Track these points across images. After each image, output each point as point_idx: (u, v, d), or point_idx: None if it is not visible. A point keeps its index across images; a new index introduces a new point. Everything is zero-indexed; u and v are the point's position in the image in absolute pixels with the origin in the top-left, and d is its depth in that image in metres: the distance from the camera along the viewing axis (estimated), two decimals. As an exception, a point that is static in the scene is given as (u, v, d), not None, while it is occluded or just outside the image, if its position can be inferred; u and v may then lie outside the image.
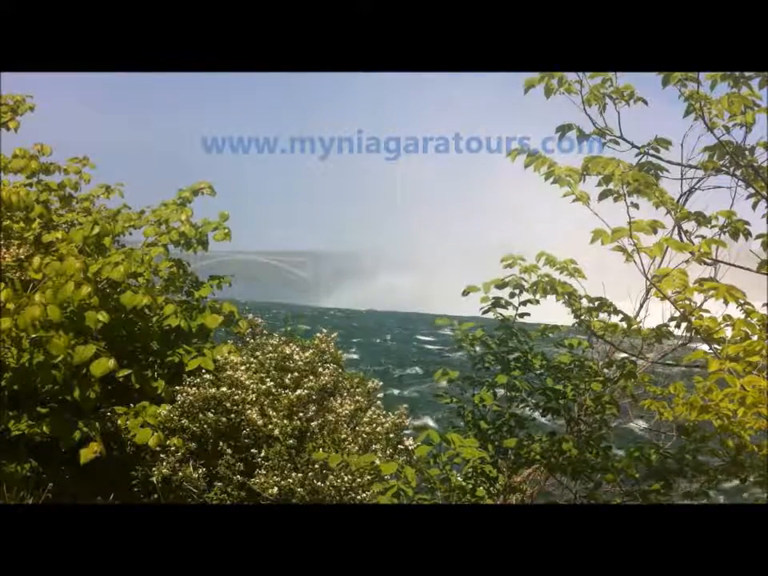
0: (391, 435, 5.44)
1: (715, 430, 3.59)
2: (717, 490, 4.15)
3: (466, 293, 4.42)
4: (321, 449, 5.18)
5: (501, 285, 4.37)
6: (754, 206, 3.76)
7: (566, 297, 4.02)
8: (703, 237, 3.67)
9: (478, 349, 4.85)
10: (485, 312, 4.58)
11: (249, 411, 5.34)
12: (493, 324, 4.82)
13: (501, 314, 4.66)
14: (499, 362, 4.76)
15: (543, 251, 4.10)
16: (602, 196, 3.44)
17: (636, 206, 3.44)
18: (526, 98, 3.80)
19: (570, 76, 3.75)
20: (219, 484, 5.21)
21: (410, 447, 5.19)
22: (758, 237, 3.70)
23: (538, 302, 4.42)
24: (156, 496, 5.20)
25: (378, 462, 4.47)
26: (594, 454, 4.38)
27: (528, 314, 4.66)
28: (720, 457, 4.03)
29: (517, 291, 4.46)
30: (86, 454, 4.97)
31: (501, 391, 4.78)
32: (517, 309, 4.61)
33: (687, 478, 4.12)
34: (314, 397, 5.54)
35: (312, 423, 5.40)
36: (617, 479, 4.27)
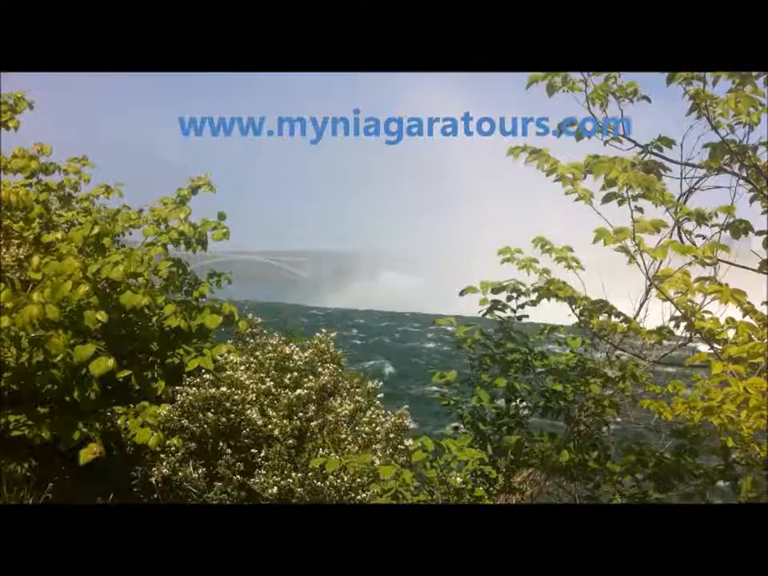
0: (391, 435, 5.44)
1: (714, 429, 3.57)
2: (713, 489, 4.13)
3: (463, 293, 4.42)
4: (321, 449, 5.18)
5: (498, 288, 4.36)
6: (751, 201, 3.72)
7: (567, 299, 4.00)
8: (704, 236, 3.66)
9: (476, 349, 4.84)
10: (483, 315, 4.59)
11: (249, 411, 5.34)
12: (494, 324, 4.81)
13: (499, 317, 4.66)
14: (498, 364, 4.76)
15: (541, 236, 3.96)
16: (606, 199, 3.42)
17: (640, 209, 3.42)
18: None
19: (574, 74, 3.72)
20: (219, 484, 5.21)
21: (409, 448, 5.19)
22: (758, 233, 3.66)
23: (534, 303, 4.41)
24: (156, 496, 5.20)
25: (377, 462, 4.46)
26: (592, 456, 4.37)
27: (526, 316, 4.65)
28: (718, 456, 4.01)
29: (515, 295, 4.47)
30: (86, 455, 4.97)
31: (500, 392, 4.77)
32: (515, 311, 4.62)
33: (685, 481, 4.10)
34: (313, 397, 5.53)
35: (312, 423, 5.40)
36: (615, 482, 4.26)
